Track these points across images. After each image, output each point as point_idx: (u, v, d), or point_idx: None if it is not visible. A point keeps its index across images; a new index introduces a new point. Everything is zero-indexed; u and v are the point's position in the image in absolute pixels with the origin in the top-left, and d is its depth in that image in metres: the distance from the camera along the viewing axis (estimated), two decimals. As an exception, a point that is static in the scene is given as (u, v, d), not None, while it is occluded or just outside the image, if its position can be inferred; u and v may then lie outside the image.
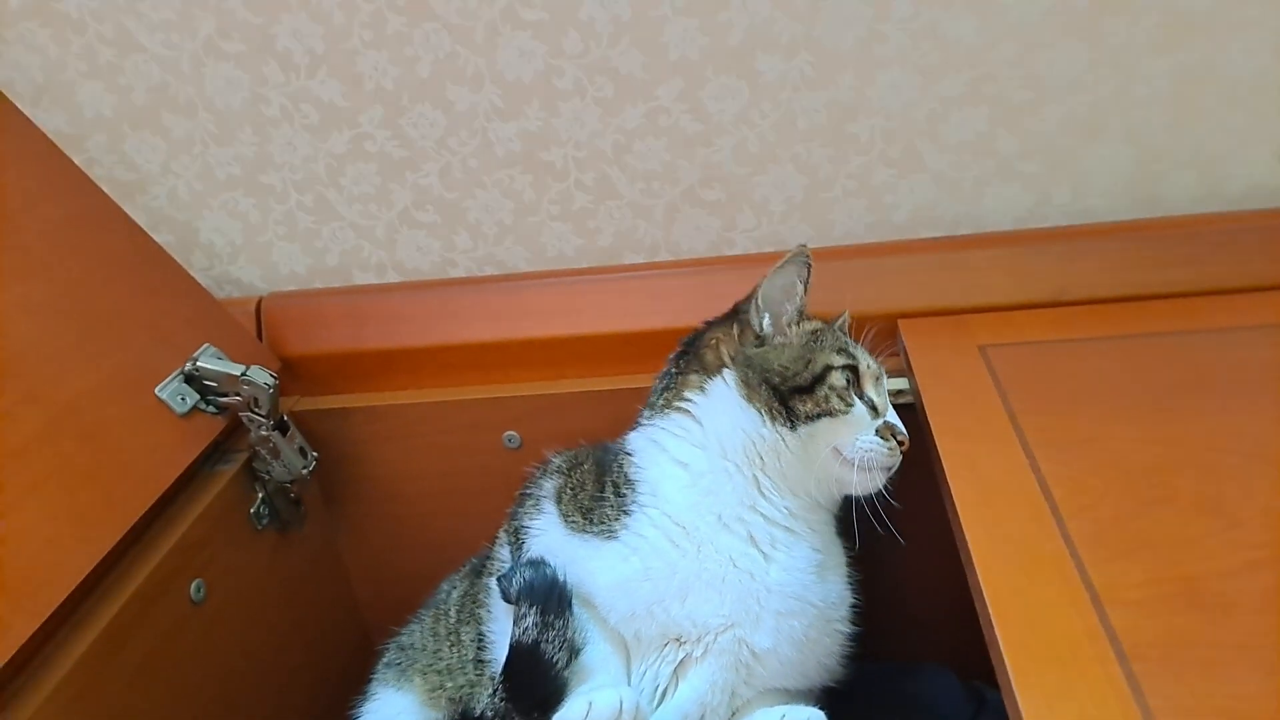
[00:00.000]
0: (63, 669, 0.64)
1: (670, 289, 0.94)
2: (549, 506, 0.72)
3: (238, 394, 0.83)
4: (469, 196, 0.96)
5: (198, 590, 0.78)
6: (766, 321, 0.73)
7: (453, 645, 0.77)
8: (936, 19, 0.83)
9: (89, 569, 0.69)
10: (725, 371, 0.72)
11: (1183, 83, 0.84)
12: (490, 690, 0.65)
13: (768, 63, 0.86)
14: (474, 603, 0.77)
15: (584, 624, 0.66)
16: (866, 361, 0.72)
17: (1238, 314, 0.79)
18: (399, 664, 0.80)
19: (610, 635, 0.67)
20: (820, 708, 0.66)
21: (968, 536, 0.59)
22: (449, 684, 0.74)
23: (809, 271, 0.73)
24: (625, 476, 0.70)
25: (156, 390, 0.80)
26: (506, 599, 0.68)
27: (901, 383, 0.80)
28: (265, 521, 0.88)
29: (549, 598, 0.65)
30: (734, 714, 0.67)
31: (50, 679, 0.63)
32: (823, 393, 0.69)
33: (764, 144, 0.90)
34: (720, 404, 0.71)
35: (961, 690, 0.81)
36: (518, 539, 0.73)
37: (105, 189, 0.89)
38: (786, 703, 0.67)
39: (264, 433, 0.85)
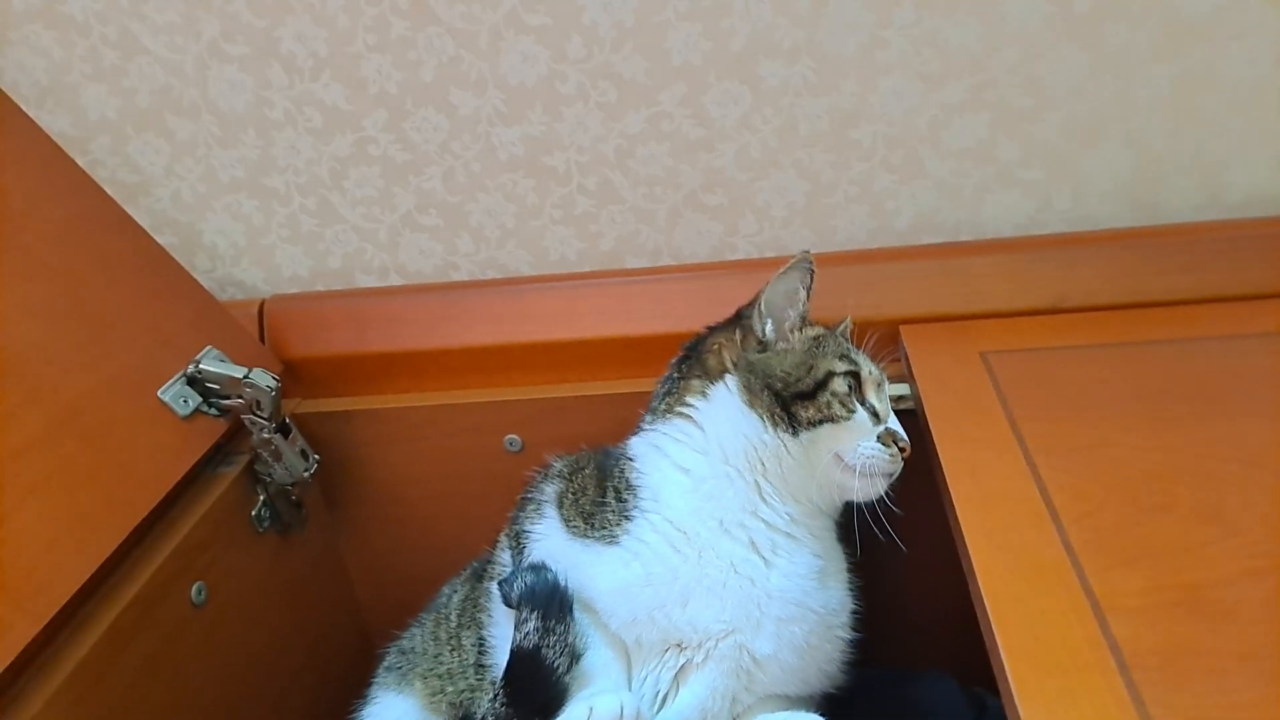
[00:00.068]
0: (64, 671, 0.64)
1: (672, 293, 0.94)
2: (550, 511, 0.72)
3: (240, 396, 0.83)
4: (471, 200, 0.96)
5: (199, 593, 0.78)
6: (769, 327, 0.73)
7: (453, 649, 0.77)
8: (938, 25, 0.83)
9: (91, 571, 0.69)
10: (727, 377, 0.72)
11: (1183, 90, 0.84)
12: (491, 695, 0.65)
13: (770, 68, 0.87)
14: (475, 607, 0.77)
15: (585, 629, 0.66)
16: (868, 368, 0.73)
17: (1238, 322, 0.79)
18: (400, 668, 0.80)
19: (611, 640, 0.67)
20: (821, 714, 0.66)
21: (968, 543, 0.59)
22: (450, 688, 0.75)
23: (812, 277, 0.73)
24: (627, 482, 0.70)
25: (159, 392, 0.81)
26: (508, 603, 0.68)
27: (903, 388, 0.81)
28: (266, 524, 0.88)
29: (550, 603, 0.65)
30: None
31: (51, 682, 0.63)
32: (825, 399, 0.69)
33: (766, 149, 0.90)
34: (722, 409, 0.71)
35: (962, 696, 0.81)
36: (519, 543, 0.73)
37: (109, 191, 0.90)
38: (787, 709, 0.67)
39: (266, 435, 0.85)
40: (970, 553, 0.58)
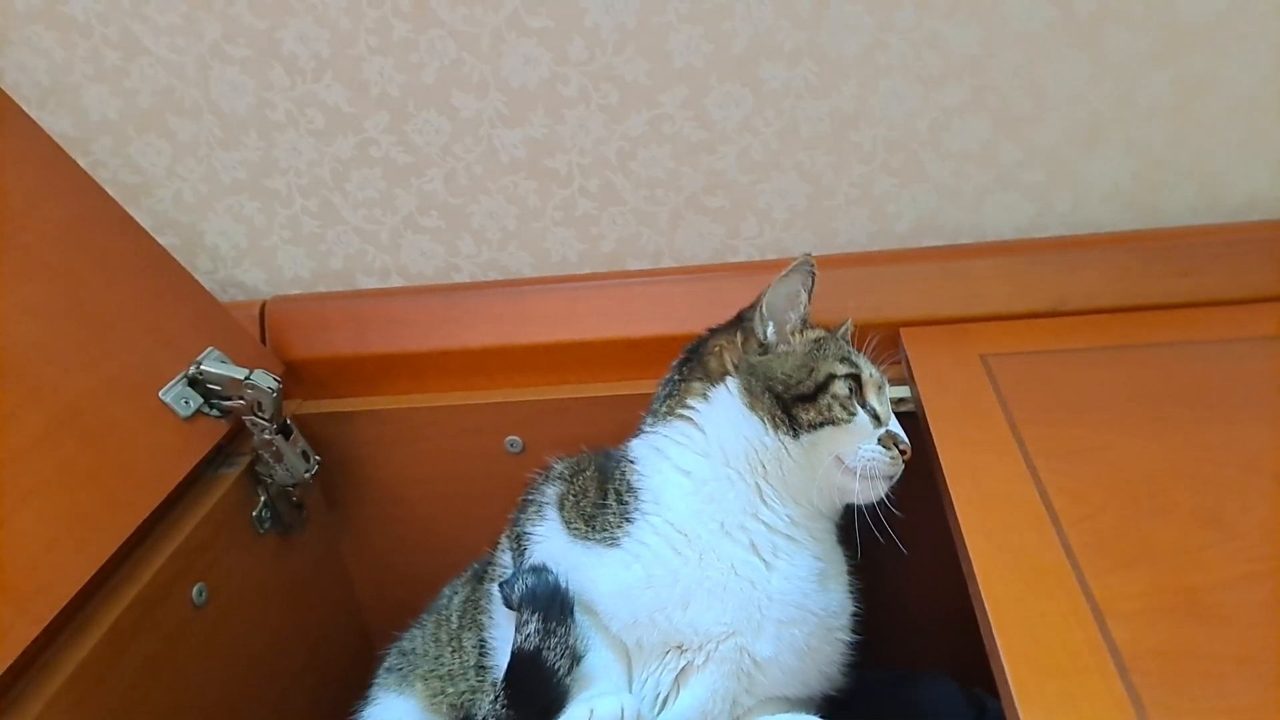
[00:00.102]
0: (64, 673, 0.64)
1: (673, 295, 0.94)
2: (551, 513, 0.72)
3: (241, 397, 0.84)
4: (473, 202, 0.96)
5: (199, 594, 0.78)
6: (771, 329, 0.73)
7: (454, 651, 0.77)
8: (939, 29, 0.83)
9: (91, 573, 0.69)
10: (728, 379, 0.72)
11: (1183, 94, 0.84)
12: (492, 697, 0.66)
13: (771, 71, 0.87)
14: (476, 608, 0.77)
15: (586, 631, 0.67)
16: (869, 370, 0.73)
17: (1237, 325, 0.80)
18: (400, 669, 0.80)
19: (612, 642, 0.67)
20: (821, 716, 0.66)
21: (968, 546, 0.59)
22: (450, 689, 0.75)
23: (813, 280, 0.73)
24: (628, 484, 0.70)
25: (160, 393, 0.81)
26: (508, 605, 0.68)
27: (903, 391, 0.81)
28: (267, 525, 0.88)
29: (551, 604, 0.65)
30: (735, 721, 0.67)
31: (52, 683, 0.63)
32: (825, 401, 0.69)
33: (767, 152, 0.90)
34: (723, 411, 0.71)
35: (962, 698, 0.81)
36: (520, 545, 0.73)
37: (110, 192, 0.90)
38: (788, 710, 0.67)
39: (267, 436, 0.85)
40: (970, 555, 0.58)
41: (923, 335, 0.85)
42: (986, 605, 0.54)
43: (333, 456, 0.96)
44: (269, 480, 0.88)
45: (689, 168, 0.92)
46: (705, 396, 0.73)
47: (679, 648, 0.66)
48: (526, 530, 0.73)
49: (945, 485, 0.65)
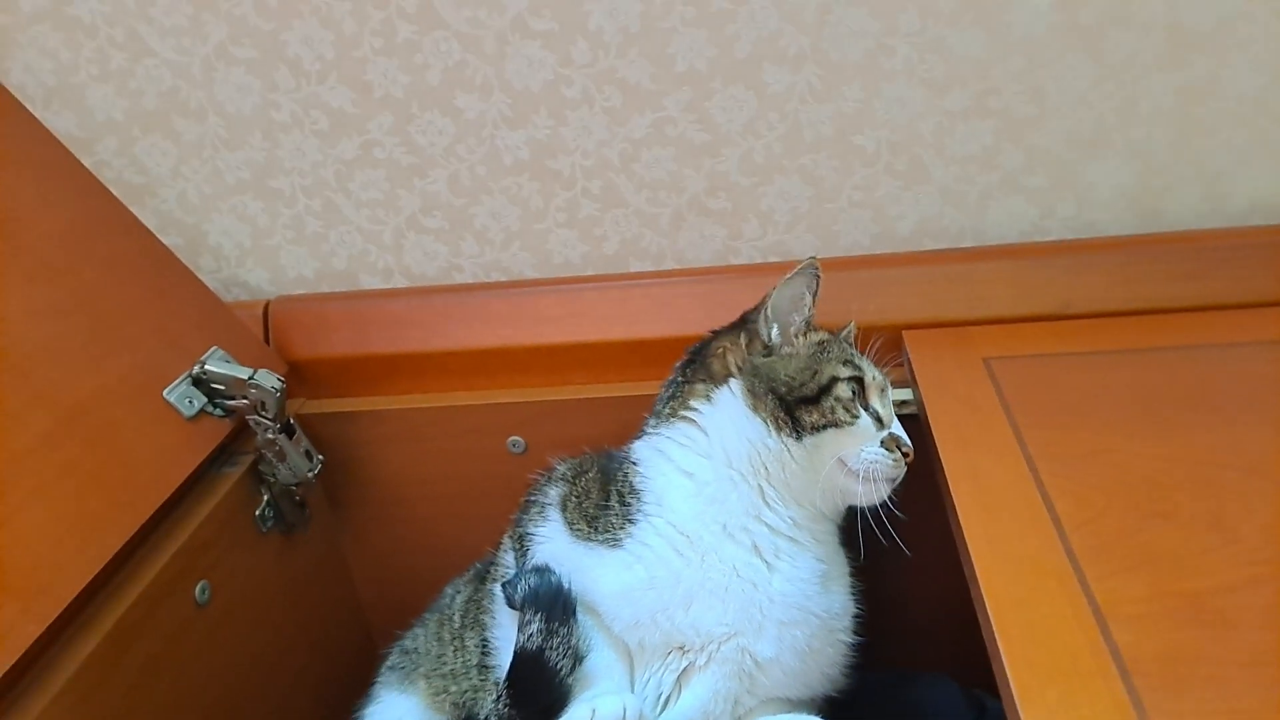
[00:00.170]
0: (68, 671, 0.64)
1: (675, 297, 0.94)
2: (554, 514, 0.72)
3: (245, 397, 0.84)
4: (476, 203, 0.97)
5: (203, 592, 0.78)
6: (775, 332, 0.74)
7: (457, 650, 0.77)
8: (943, 33, 0.84)
9: (95, 571, 0.69)
10: (732, 381, 0.73)
11: (1187, 99, 0.84)
12: (494, 696, 0.66)
13: (775, 74, 0.87)
14: (478, 608, 0.77)
15: (588, 631, 0.67)
16: (872, 373, 0.73)
17: (1240, 329, 0.80)
18: (403, 667, 0.80)
19: (614, 643, 0.67)
20: (822, 716, 0.66)
21: (970, 549, 0.59)
22: (453, 688, 0.75)
23: (818, 283, 0.73)
24: (630, 485, 0.71)
25: (164, 393, 0.81)
26: (511, 605, 0.68)
27: (906, 394, 0.81)
28: (270, 524, 0.89)
29: (554, 605, 0.65)
30: (736, 722, 0.67)
31: (56, 681, 0.64)
32: (828, 404, 0.69)
33: (770, 155, 0.91)
34: (726, 413, 0.71)
35: (962, 698, 0.81)
36: (522, 545, 0.73)
37: (115, 192, 0.90)
38: (789, 711, 0.67)
39: (270, 436, 0.85)
40: (972, 558, 0.58)
41: (925, 338, 0.85)
42: (988, 608, 0.54)
43: (335, 456, 0.96)
44: (272, 479, 0.88)
45: (692, 170, 0.92)
46: (708, 398, 0.73)
47: (681, 648, 0.66)
48: (529, 531, 0.73)
49: (947, 488, 0.65)
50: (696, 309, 0.90)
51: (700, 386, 0.74)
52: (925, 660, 0.87)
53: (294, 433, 0.88)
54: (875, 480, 0.69)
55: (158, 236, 0.91)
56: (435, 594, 0.88)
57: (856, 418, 0.69)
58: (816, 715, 0.67)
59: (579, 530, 0.70)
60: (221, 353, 0.86)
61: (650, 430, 0.75)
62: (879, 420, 0.71)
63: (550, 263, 0.99)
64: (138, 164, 0.98)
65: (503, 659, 0.70)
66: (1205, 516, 0.59)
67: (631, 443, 0.76)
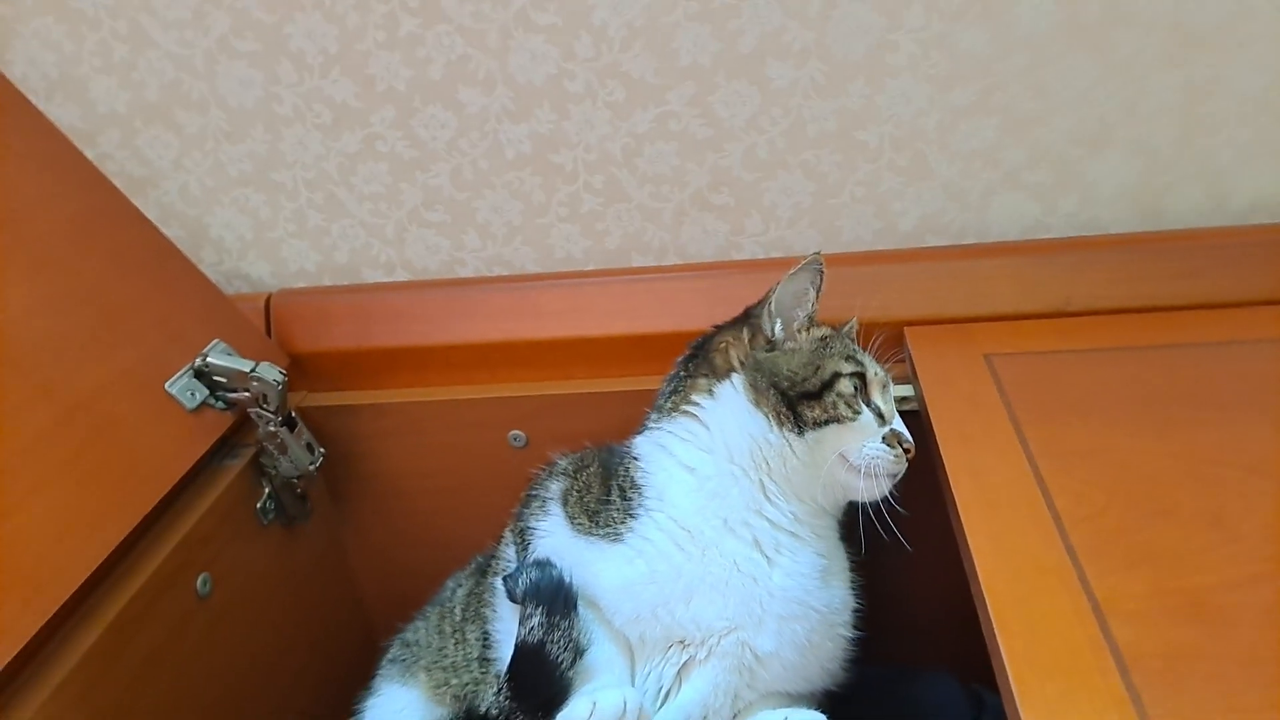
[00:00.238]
0: (70, 662, 0.65)
1: (677, 292, 0.94)
2: (555, 508, 0.72)
3: (247, 390, 0.84)
4: (478, 197, 0.97)
5: (204, 584, 0.78)
6: (778, 326, 0.74)
7: (458, 643, 0.77)
8: (948, 29, 0.84)
9: (98, 563, 0.69)
10: (734, 375, 0.73)
11: (1190, 97, 0.84)
12: (495, 689, 0.66)
13: (778, 70, 0.87)
14: (479, 602, 0.77)
15: (589, 625, 0.67)
16: (874, 369, 0.73)
17: (1241, 328, 0.80)
18: (404, 660, 0.81)
19: (615, 636, 0.68)
20: (822, 711, 0.66)
21: (971, 545, 0.59)
22: (454, 681, 0.75)
23: (821, 279, 0.74)
24: (631, 480, 0.71)
25: (166, 385, 0.81)
26: (512, 599, 0.68)
27: (907, 390, 0.81)
28: (271, 516, 0.89)
29: (555, 598, 0.65)
30: (736, 716, 0.67)
31: (57, 673, 0.64)
32: (830, 399, 0.69)
33: (773, 150, 0.90)
34: (728, 408, 0.71)
35: (962, 694, 0.81)
36: (523, 540, 0.73)
37: (117, 184, 0.90)
38: (788, 706, 0.67)
39: (272, 428, 0.85)
40: (973, 555, 0.58)
41: (927, 334, 0.85)
42: (988, 604, 0.55)
43: (337, 449, 0.96)
44: (273, 472, 0.88)
45: (695, 165, 0.92)
46: (710, 393, 0.73)
47: (681, 642, 0.66)
48: (530, 525, 0.73)
49: (948, 484, 0.66)
50: (698, 304, 0.90)
51: (702, 381, 0.74)
52: (925, 655, 0.88)
53: (295, 426, 0.88)
54: (876, 476, 0.69)
55: (160, 229, 0.91)
56: (436, 587, 0.88)
57: (858, 413, 0.69)
58: (816, 709, 0.67)
59: (580, 525, 0.70)
60: (223, 345, 0.87)
61: (652, 425, 0.75)
62: (881, 416, 0.71)
63: (552, 257, 0.99)
64: (140, 156, 0.98)
65: (504, 652, 0.70)
66: (1206, 514, 0.59)
67: (633, 437, 0.76)
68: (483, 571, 0.81)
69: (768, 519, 0.68)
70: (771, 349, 0.73)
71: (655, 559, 0.67)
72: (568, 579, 0.67)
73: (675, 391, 0.75)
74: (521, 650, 0.65)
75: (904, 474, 0.71)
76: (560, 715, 0.61)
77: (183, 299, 0.88)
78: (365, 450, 0.98)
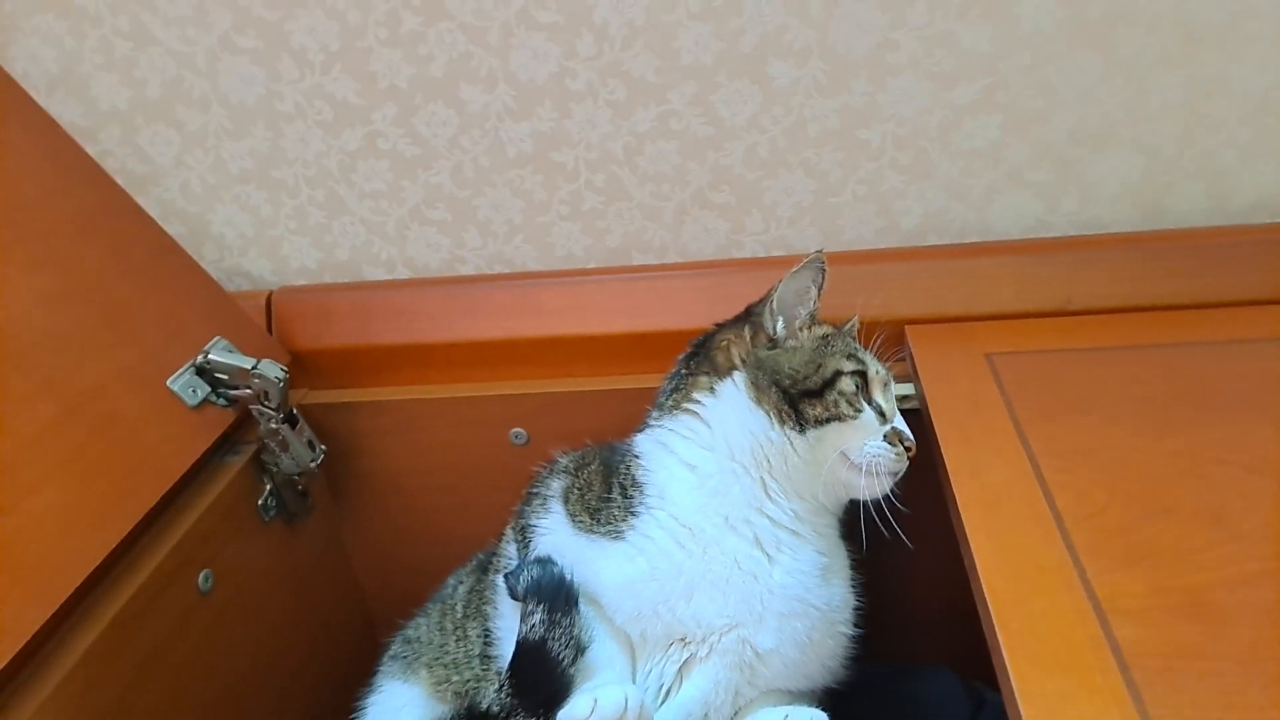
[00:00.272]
0: (71, 659, 0.65)
1: (678, 290, 0.94)
2: (556, 506, 0.73)
3: (248, 387, 0.84)
4: (479, 195, 0.97)
5: (205, 580, 0.79)
6: (780, 325, 0.74)
7: (459, 640, 0.77)
8: (950, 27, 0.83)
9: (100, 559, 0.69)
10: (736, 373, 0.73)
11: (1193, 96, 0.84)
12: (496, 686, 0.66)
13: (780, 68, 0.87)
14: (480, 599, 0.78)
15: (590, 622, 0.67)
16: (875, 367, 0.73)
17: (1242, 327, 0.80)
18: (405, 656, 0.81)
19: (616, 634, 0.68)
20: (822, 708, 0.66)
21: (971, 543, 0.59)
22: (455, 677, 0.75)
23: (824, 277, 0.74)
24: (633, 478, 0.71)
25: (168, 382, 0.81)
26: (514, 596, 0.69)
27: (908, 388, 0.81)
28: (272, 513, 0.89)
29: (556, 596, 0.65)
30: (737, 713, 0.67)
31: (59, 669, 0.64)
32: (832, 397, 0.69)
33: (775, 149, 0.90)
34: (729, 406, 0.72)
35: (962, 691, 0.82)
36: (525, 537, 0.73)
37: (118, 181, 0.90)
38: (789, 703, 0.67)
39: (273, 425, 0.86)
40: (973, 553, 0.59)
41: (928, 333, 0.85)
42: (989, 601, 0.55)
43: (338, 446, 0.96)
44: (274, 469, 0.88)
45: (696, 163, 0.92)
46: (712, 390, 0.73)
47: (682, 640, 0.66)
48: (531, 523, 0.73)
49: (949, 482, 0.66)
50: (699, 302, 0.90)
51: (704, 379, 0.74)
52: (925, 653, 0.88)
53: (297, 423, 0.88)
54: (877, 474, 0.69)
55: (161, 226, 0.91)
56: (436, 584, 0.88)
57: (860, 411, 0.70)
58: (816, 707, 0.68)
59: (581, 522, 0.70)
60: (225, 342, 0.87)
61: (653, 422, 0.75)
62: (882, 414, 0.71)
63: (553, 255, 0.99)
64: (141, 153, 0.98)
65: (505, 649, 0.70)
66: (1206, 513, 0.59)
67: (634, 435, 0.76)
68: (484, 569, 0.81)
69: (769, 517, 0.68)
70: (773, 347, 0.73)
71: (656, 556, 0.67)
72: (569, 576, 0.67)
73: (677, 389, 0.75)
74: (523, 647, 0.65)
75: (905, 472, 0.71)
76: (561, 712, 0.61)
77: (184, 296, 0.88)
78: (366, 447, 0.98)
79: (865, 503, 0.71)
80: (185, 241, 0.96)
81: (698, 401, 0.73)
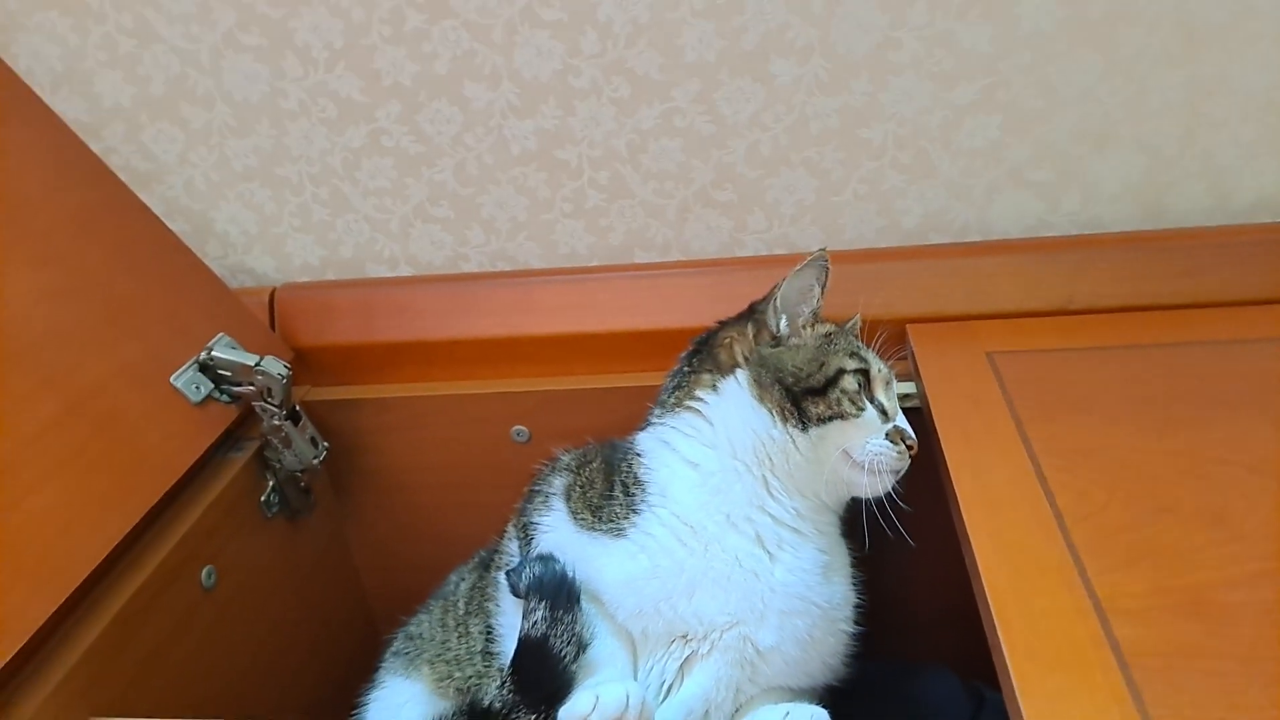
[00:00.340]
0: (75, 655, 0.65)
1: (680, 288, 0.94)
2: (558, 504, 0.73)
3: (251, 383, 0.84)
4: (483, 192, 0.97)
5: (208, 577, 0.79)
6: (783, 322, 0.74)
7: (461, 637, 0.77)
8: (951, 27, 0.84)
9: (104, 555, 0.69)
10: (738, 371, 0.73)
11: (1194, 95, 0.84)
12: (498, 682, 0.66)
13: (782, 67, 0.87)
14: (482, 596, 0.78)
15: (592, 620, 0.67)
16: (878, 366, 0.73)
17: (1244, 326, 0.80)
18: (407, 653, 0.81)
19: (617, 631, 0.68)
20: (823, 706, 0.67)
21: (972, 542, 0.60)
22: (457, 674, 0.75)
23: (827, 275, 0.74)
24: (635, 476, 0.71)
25: (171, 379, 0.81)
26: (515, 593, 0.69)
27: (909, 387, 0.81)
28: (275, 510, 0.89)
29: (558, 593, 0.66)
30: (738, 710, 0.68)
31: (63, 664, 0.64)
32: (835, 395, 0.70)
33: (777, 147, 0.91)
34: (732, 403, 0.72)
35: (962, 690, 0.82)
36: (526, 535, 0.73)
37: (122, 178, 0.90)
38: (790, 701, 0.67)
39: (276, 422, 0.86)
40: (974, 552, 0.59)
41: (929, 332, 0.86)
42: (989, 600, 0.55)
43: (340, 443, 0.97)
44: (277, 465, 0.89)
45: (698, 161, 0.92)
46: (714, 388, 0.73)
47: (684, 637, 0.67)
48: (533, 520, 0.73)
49: (950, 481, 0.66)
50: (701, 300, 0.90)
51: (706, 377, 0.74)
52: (926, 651, 0.88)
53: (300, 419, 0.88)
54: (879, 472, 0.69)
55: (165, 223, 0.91)
56: (438, 581, 0.88)
57: (862, 410, 0.70)
58: (817, 704, 0.68)
59: (583, 520, 0.70)
60: (228, 339, 0.87)
61: (655, 420, 0.75)
62: (884, 413, 0.71)
63: (556, 253, 0.99)
64: (145, 150, 0.98)
65: (507, 646, 0.70)
66: (1207, 512, 0.59)
67: (636, 433, 0.76)
68: (486, 566, 0.81)
69: (770, 514, 0.69)
70: (776, 345, 0.73)
71: (658, 554, 0.67)
72: (571, 574, 0.67)
73: (679, 387, 0.76)
74: (524, 644, 0.65)
75: (906, 470, 0.71)
76: (563, 709, 0.61)
77: (187, 293, 0.88)
78: (369, 444, 0.98)
79: (867, 501, 0.71)
80: (189, 238, 0.97)
81: (700, 399, 0.73)
